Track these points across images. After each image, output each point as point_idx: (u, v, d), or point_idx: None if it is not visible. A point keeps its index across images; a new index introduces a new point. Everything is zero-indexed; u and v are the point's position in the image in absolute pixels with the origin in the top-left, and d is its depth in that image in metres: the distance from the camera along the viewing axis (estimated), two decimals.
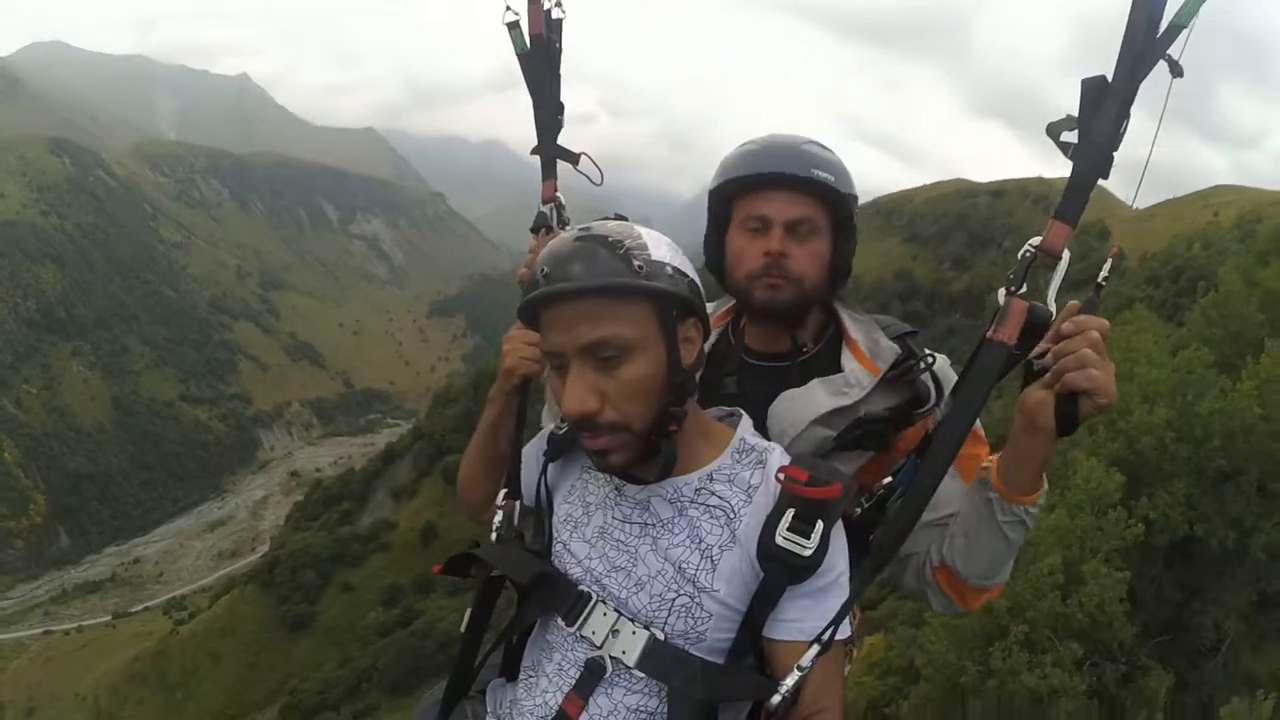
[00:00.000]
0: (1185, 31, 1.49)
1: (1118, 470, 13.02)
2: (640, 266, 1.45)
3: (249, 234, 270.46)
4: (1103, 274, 1.61)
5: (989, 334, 1.59)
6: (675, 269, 1.51)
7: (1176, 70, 1.50)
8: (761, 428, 1.78)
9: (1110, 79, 1.52)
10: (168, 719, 70.76)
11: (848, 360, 1.93)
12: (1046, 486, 1.70)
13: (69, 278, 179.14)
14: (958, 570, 1.78)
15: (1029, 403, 1.59)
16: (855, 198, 1.95)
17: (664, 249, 1.53)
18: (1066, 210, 1.57)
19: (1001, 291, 1.62)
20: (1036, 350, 1.60)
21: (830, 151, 1.93)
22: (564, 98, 2.24)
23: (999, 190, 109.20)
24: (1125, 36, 1.50)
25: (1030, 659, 11.09)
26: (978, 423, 1.80)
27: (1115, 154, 1.55)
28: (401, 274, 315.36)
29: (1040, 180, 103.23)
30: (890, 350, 1.89)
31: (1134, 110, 1.51)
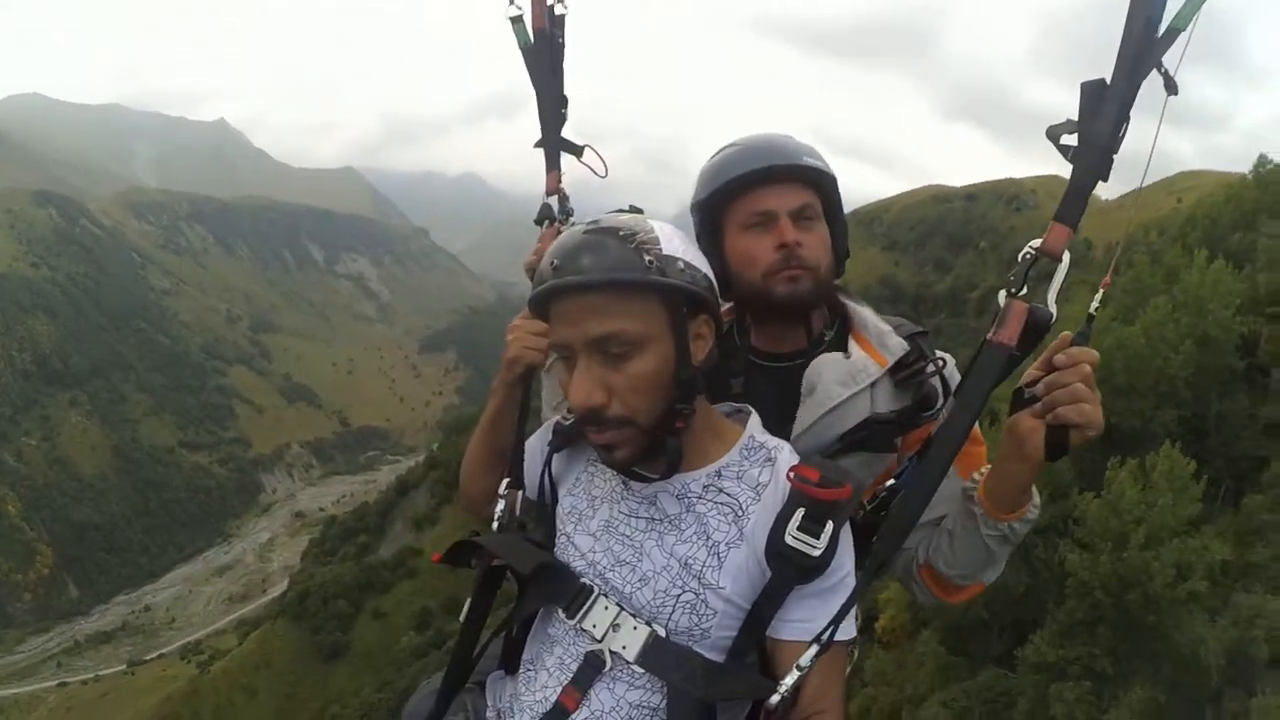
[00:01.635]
0: (1181, 55, 1.47)
1: None
2: (651, 261, 1.44)
3: (236, 278, 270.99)
4: (1094, 305, 1.58)
5: (990, 336, 1.59)
6: (688, 264, 1.49)
7: (1171, 88, 1.49)
8: (770, 427, 1.73)
9: (1108, 82, 1.51)
10: None
11: (855, 350, 1.93)
12: (1038, 501, 1.73)
13: (63, 328, 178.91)
14: (940, 569, 1.82)
15: (1020, 430, 1.59)
16: (837, 180, 1.98)
17: (677, 243, 1.51)
18: (1067, 213, 1.56)
19: (1002, 293, 1.61)
20: (1026, 378, 1.61)
21: (797, 139, 1.97)
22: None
23: (972, 194, 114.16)
24: (1123, 39, 1.49)
25: None
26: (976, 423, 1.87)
27: (1115, 156, 1.53)
28: (389, 311, 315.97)
29: (1011, 181, 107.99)
30: (899, 346, 1.90)
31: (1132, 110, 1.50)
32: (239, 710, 71.41)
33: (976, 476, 1.76)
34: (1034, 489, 1.70)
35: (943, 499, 1.77)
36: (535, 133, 2.26)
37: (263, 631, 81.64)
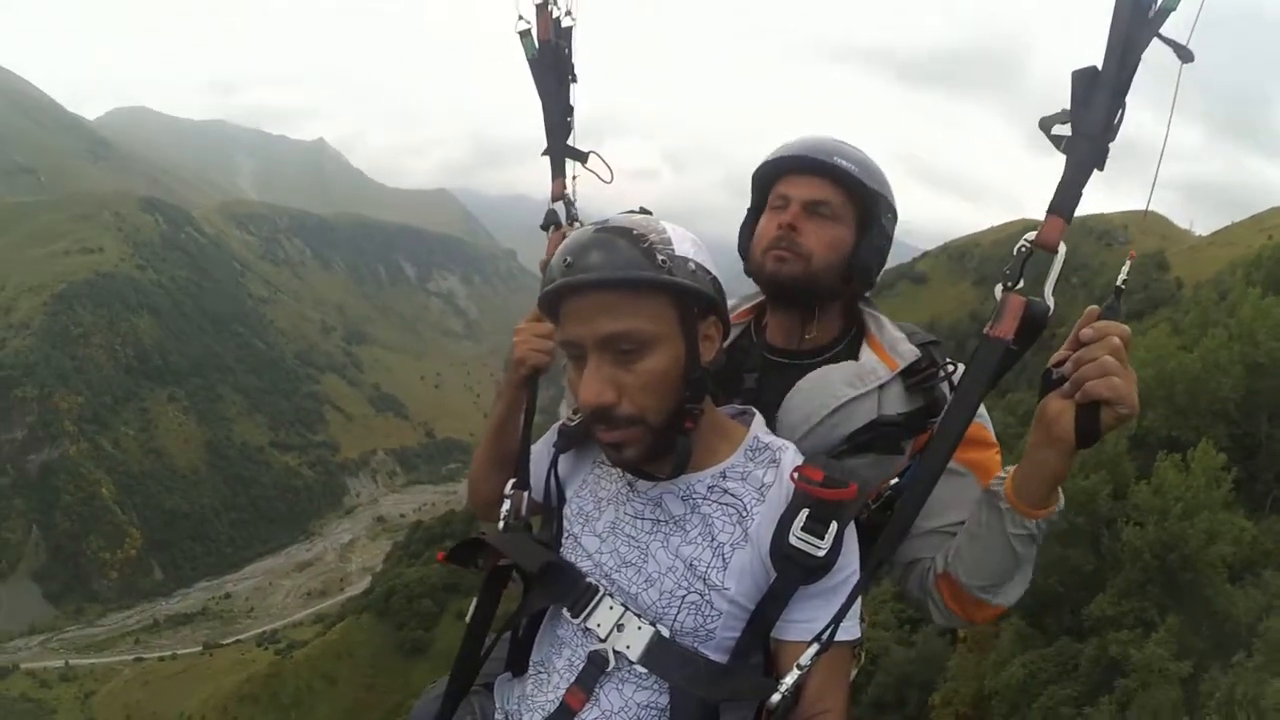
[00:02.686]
0: (1195, 18, 1.39)
1: None
2: (664, 261, 1.43)
3: (331, 290, 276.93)
4: (1121, 277, 1.51)
5: (987, 330, 1.55)
6: (698, 265, 1.49)
7: (1185, 55, 1.43)
8: (777, 424, 1.78)
9: (1100, 69, 1.46)
10: None
11: (866, 353, 1.94)
12: (1063, 503, 1.65)
13: (165, 328, 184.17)
14: (960, 579, 1.73)
15: (1048, 413, 1.51)
16: (884, 198, 1.96)
17: (688, 245, 1.50)
18: (1060, 204, 1.52)
19: (998, 287, 1.58)
20: (1055, 358, 1.53)
21: (861, 151, 1.96)
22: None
23: None
24: (1112, 22, 1.45)
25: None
26: (989, 426, 1.88)
27: (1110, 145, 1.48)
28: (477, 328, 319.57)
29: (1101, 216, 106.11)
30: (911, 353, 1.89)
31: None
32: (318, 696, 72.46)
33: (1001, 475, 1.69)
34: (1059, 490, 1.61)
35: (956, 504, 1.77)
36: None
37: (347, 623, 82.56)
